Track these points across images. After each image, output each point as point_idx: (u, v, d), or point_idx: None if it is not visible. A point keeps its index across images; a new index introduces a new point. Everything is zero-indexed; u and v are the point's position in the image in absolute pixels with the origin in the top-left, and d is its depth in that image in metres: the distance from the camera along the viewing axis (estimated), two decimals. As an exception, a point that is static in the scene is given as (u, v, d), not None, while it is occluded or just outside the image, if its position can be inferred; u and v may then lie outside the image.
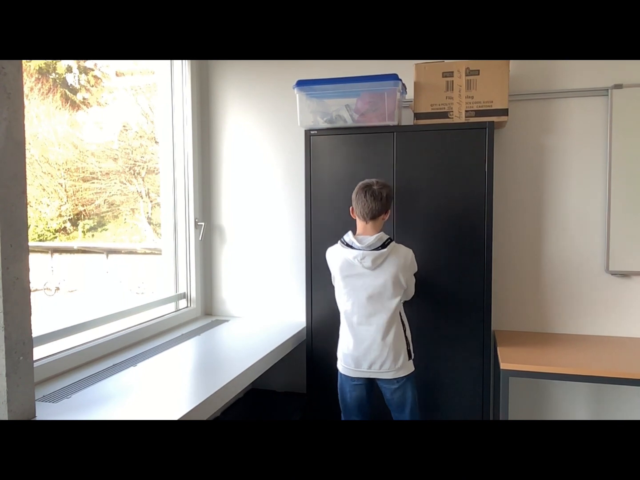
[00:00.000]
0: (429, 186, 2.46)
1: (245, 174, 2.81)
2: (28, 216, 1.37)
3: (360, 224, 1.99)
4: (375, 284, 1.93)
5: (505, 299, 2.51)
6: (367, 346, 1.95)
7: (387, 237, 1.94)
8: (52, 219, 9.86)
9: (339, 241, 2.01)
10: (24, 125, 1.34)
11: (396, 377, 1.96)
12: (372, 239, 1.91)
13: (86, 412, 1.48)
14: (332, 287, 2.10)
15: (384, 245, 1.91)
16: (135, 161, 9.75)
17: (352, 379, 2.01)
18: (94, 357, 2.00)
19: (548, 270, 2.47)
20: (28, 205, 1.37)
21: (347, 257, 1.94)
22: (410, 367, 1.99)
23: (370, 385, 2.03)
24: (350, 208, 2.03)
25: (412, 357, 2.01)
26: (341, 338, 2.05)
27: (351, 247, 1.94)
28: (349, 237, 1.97)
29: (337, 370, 2.08)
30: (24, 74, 1.35)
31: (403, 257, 1.94)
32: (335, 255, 2.00)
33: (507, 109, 2.20)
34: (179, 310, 2.72)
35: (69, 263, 9.44)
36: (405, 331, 2.00)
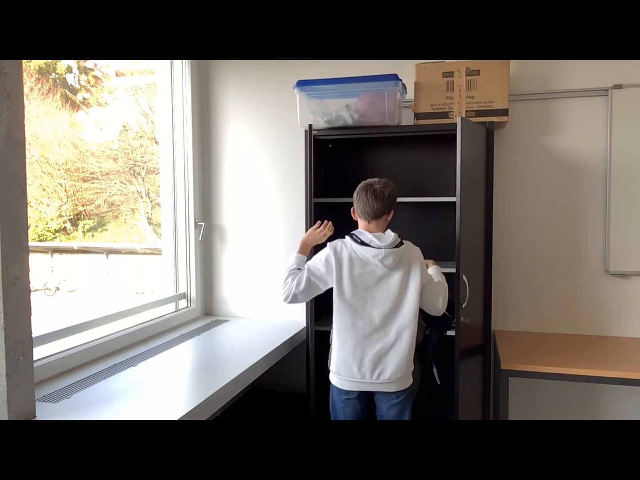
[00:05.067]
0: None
1: (246, 174, 2.81)
2: (28, 216, 1.37)
3: (362, 224, 1.89)
4: (395, 284, 1.81)
5: (505, 299, 2.51)
6: (376, 353, 1.80)
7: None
8: (52, 219, 9.85)
9: (349, 237, 1.86)
10: (24, 125, 1.34)
11: (397, 391, 1.84)
12: (392, 236, 1.82)
13: (86, 412, 1.48)
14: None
15: (401, 243, 1.85)
16: (135, 161, 9.74)
17: (346, 391, 1.86)
18: (94, 357, 2.00)
19: (548, 270, 2.47)
20: (28, 205, 1.37)
21: (365, 255, 1.80)
22: (410, 379, 1.89)
23: (366, 400, 1.90)
24: (352, 209, 1.94)
25: (420, 368, 1.93)
26: (339, 347, 1.86)
27: (369, 245, 1.81)
28: (364, 235, 1.83)
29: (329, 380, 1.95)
30: (24, 74, 1.35)
31: (418, 255, 1.88)
32: (345, 252, 1.83)
33: (507, 109, 2.20)
34: (179, 310, 2.72)
35: (69, 263, 9.43)
36: (417, 337, 1.89)
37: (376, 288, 1.82)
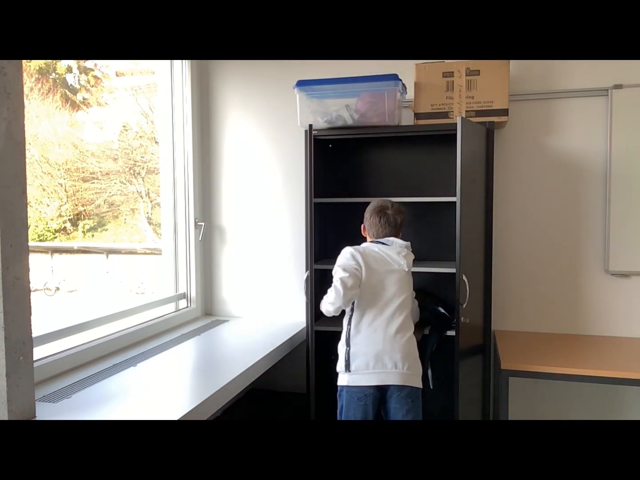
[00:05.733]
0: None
1: (246, 174, 2.81)
2: (28, 216, 1.37)
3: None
4: (409, 283, 1.98)
5: (505, 299, 2.51)
6: (403, 345, 1.86)
7: None
8: (52, 219, 9.86)
9: (371, 243, 2.00)
10: (24, 125, 1.34)
11: (415, 386, 1.87)
12: (407, 241, 2.01)
13: (86, 412, 1.48)
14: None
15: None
16: (135, 161, 9.75)
17: (359, 397, 1.85)
18: (94, 357, 2.00)
19: (548, 270, 2.47)
20: (28, 205, 1.37)
21: (388, 253, 1.94)
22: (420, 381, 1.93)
23: (378, 407, 1.90)
24: (362, 226, 2.06)
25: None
26: (368, 339, 1.88)
27: (390, 245, 1.97)
28: (383, 239, 1.99)
29: (337, 382, 1.94)
30: (24, 74, 1.35)
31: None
32: (368, 251, 1.95)
33: (507, 109, 2.20)
34: (179, 310, 2.72)
35: (69, 263, 9.44)
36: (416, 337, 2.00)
37: (400, 284, 1.93)
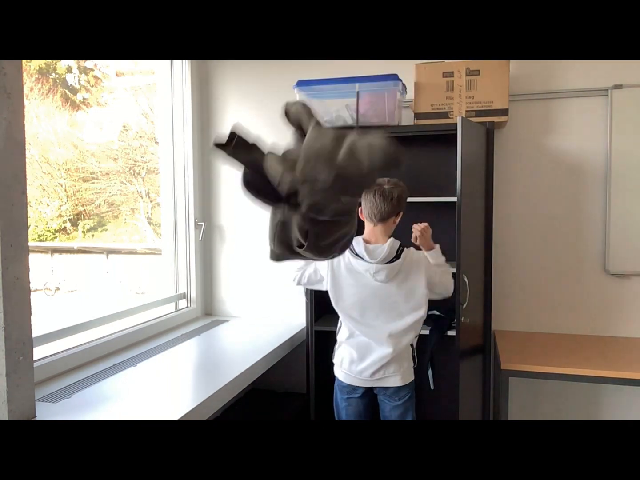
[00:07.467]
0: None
1: (245, 174, 2.80)
2: (28, 216, 1.37)
3: (368, 226, 1.84)
4: (389, 294, 1.79)
5: (505, 299, 2.51)
6: (375, 356, 1.81)
7: (398, 243, 1.81)
8: (52, 219, 9.85)
9: (348, 250, 1.82)
10: (24, 125, 1.34)
11: (398, 386, 1.84)
12: (385, 250, 1.76)
13: (86, 412, 1.48)
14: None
15: (398, 256, 1.78)
16: (135, 161, 9.74)
17: (349, 391, 1.89)
18: (94, 357, 2.00)
19: (548, 270, 2.47)
20: (28, 205, 1.37)
21: (357, 267, 1.79)
22: (412, 375, 1.89)
23: (369, 399, 1.92)
24: (359, 208, 1.87)
25: (415, 364, 1.91)
26: (341, 346, 1.92)
27: (362, 258, 1.78)
28: (359, 246, 1.80)
29: (334, 377, 1.98)
30: (24, 74, 1.35)
31: (421, 261, 1.83)
32: (342, 263, 1.82)
33: (507, 109, 2.20)
34: (179, 310, 2.72)
35: (69, 263, 9.43)
36: (415, 341, 1.91)
37: (373, 298, 1.81)
